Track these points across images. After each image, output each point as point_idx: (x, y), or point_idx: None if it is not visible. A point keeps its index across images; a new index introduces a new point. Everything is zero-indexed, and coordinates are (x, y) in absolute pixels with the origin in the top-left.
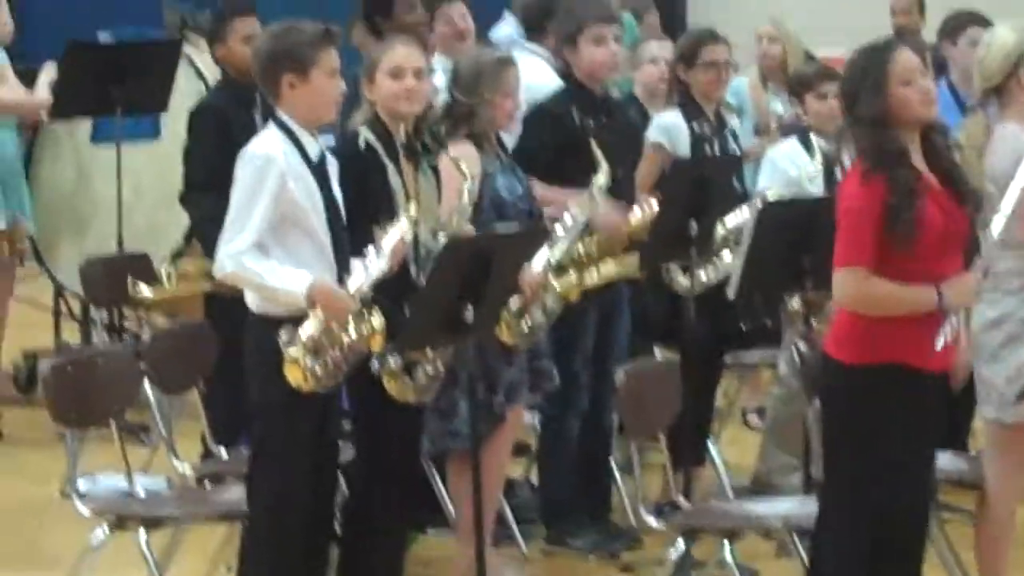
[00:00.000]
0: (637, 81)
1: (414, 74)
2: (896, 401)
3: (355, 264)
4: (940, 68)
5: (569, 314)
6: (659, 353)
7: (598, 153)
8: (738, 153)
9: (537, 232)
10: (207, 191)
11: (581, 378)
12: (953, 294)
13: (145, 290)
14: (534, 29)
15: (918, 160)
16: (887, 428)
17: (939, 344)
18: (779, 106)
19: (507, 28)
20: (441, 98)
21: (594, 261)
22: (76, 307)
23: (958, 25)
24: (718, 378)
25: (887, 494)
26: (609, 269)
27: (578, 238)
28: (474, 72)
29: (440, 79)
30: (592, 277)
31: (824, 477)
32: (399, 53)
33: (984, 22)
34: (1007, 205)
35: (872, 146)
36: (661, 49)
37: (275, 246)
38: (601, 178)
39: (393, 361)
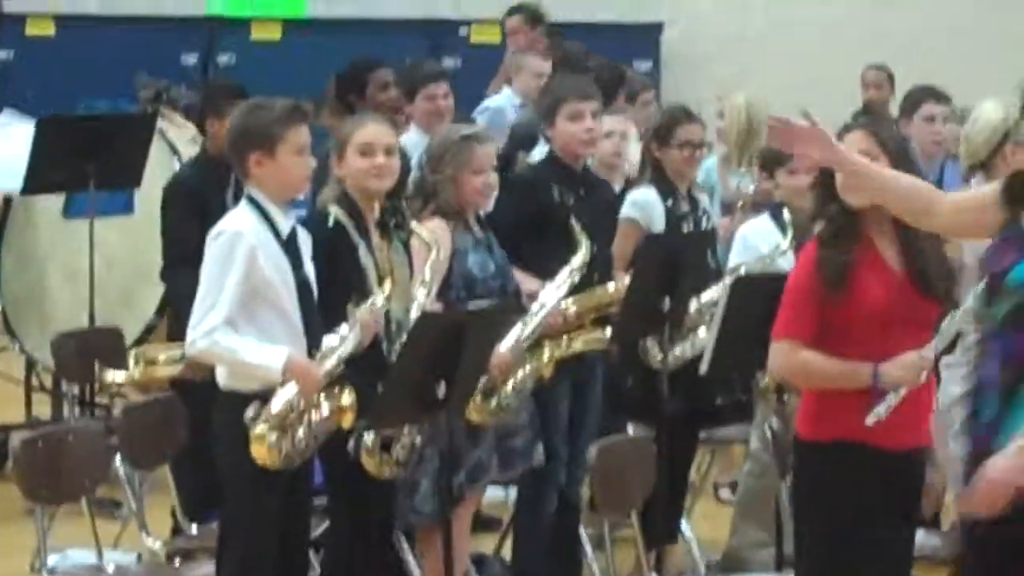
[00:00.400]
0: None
1: (384, 151)
2: (854, 478)
3: (326, 340)
4: None
5: (543, 389)
6: (632, 429)
7: (578, 231)
8: (711, 229)
9: (509, 309)
10: (181, 268)
11: (559, 453)
12: (892, 372)
13: (112, 375)
14: None
15: (885, 244)
16: (846, 506)
17: (869, 420)
18: (747, 183)
19: (500, 98)
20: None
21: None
22: (47, 380)
23: (914, 101)
24: (692, 455)
25: (851, 573)
26: (578, 344)
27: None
28: (440, 149)
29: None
30: (561, 349)
31: (795, 554)
32: (369, 130)
33: (940, 97)
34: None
35: (822, 224)
36: (615, 123)
37: (245, 322)
38: (580, 257)
39: (369, 438)
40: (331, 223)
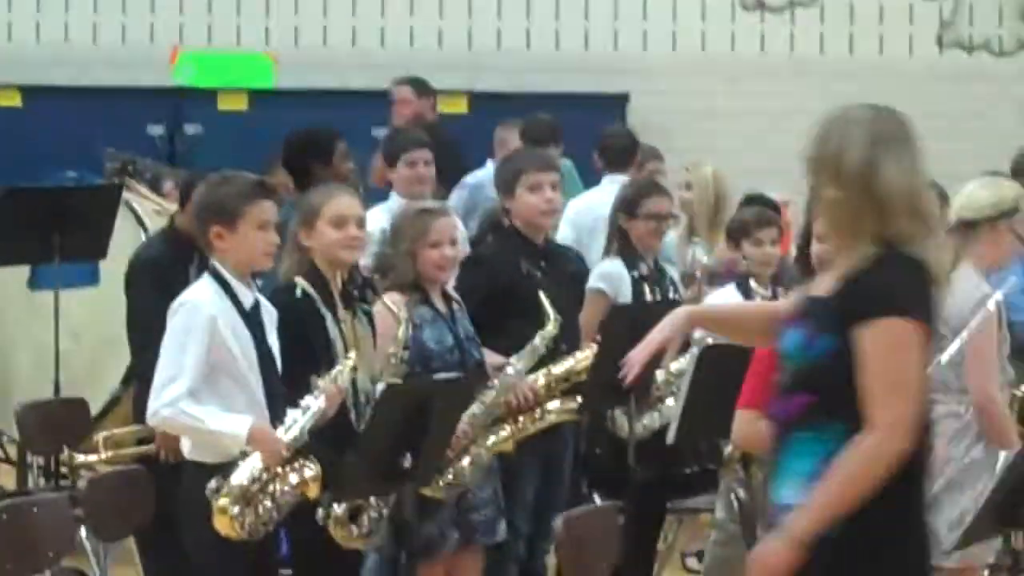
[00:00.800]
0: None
1: (356, 223)
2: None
3: (291, 413)
4: None
5: (512, 463)
6: (598, 499)
7: (546, 304)
8: (678, 299)
9: (475, 380)
10: (146, 346)
11: (520, 529)
12: None
13: (78, 458)
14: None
15: None
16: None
17: None
18: (701, 253)
19: (481, 173)
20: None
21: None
22: (12, 452)
23: None
24: (661, 524)
25: None
26: (551, 416)
27: (511, 390)
28: (398, 223)
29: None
30: (533, 424)
31: None
32: (343, 202)
33: None
34: (948, 352)
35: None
36: None
37: (207, 394)
38: (548, 330)
39: (338, 508)
40: (299, 294)
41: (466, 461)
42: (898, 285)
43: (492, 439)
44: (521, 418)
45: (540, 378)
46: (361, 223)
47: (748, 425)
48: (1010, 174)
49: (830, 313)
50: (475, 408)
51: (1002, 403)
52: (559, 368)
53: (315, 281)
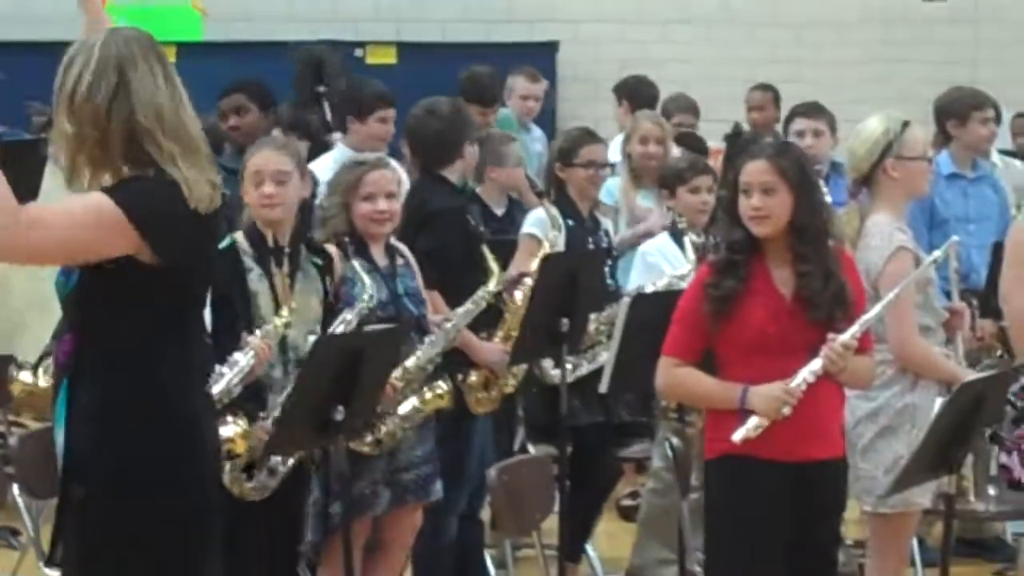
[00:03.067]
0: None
1: (272, 179)
2: (744, 491)
3: (218, 368)
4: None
5: (462, 417)
6: (533, 449)
7: (490, 260)
8: (609, 249)
9: (403, 329)
10: None
11: (468, 480)
12: (755, 399)
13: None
14: None
15: (780, 270)
16: (742, 519)
17: (736, 437)
18: (651, 203)
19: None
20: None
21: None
22: None
23: (787, 119)
24: (608, 471)
25: None
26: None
27: (449, 344)
28: (336, 177)
29: None
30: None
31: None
32: (259, 159)
33: (809, 112)
34: (877, 306)
35: (723, 248)
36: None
37: None
38: (491, 286)
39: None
40: (224, 245)
41: (397, 418)
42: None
43: (428, 395)
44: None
45: (498, 333)
46: (279, 178)
47: (666, 373)
48: (933, 116)
49: None
50: (410, 361)
51: (924, 347)
52: (512, 319)
53: (252, 237)
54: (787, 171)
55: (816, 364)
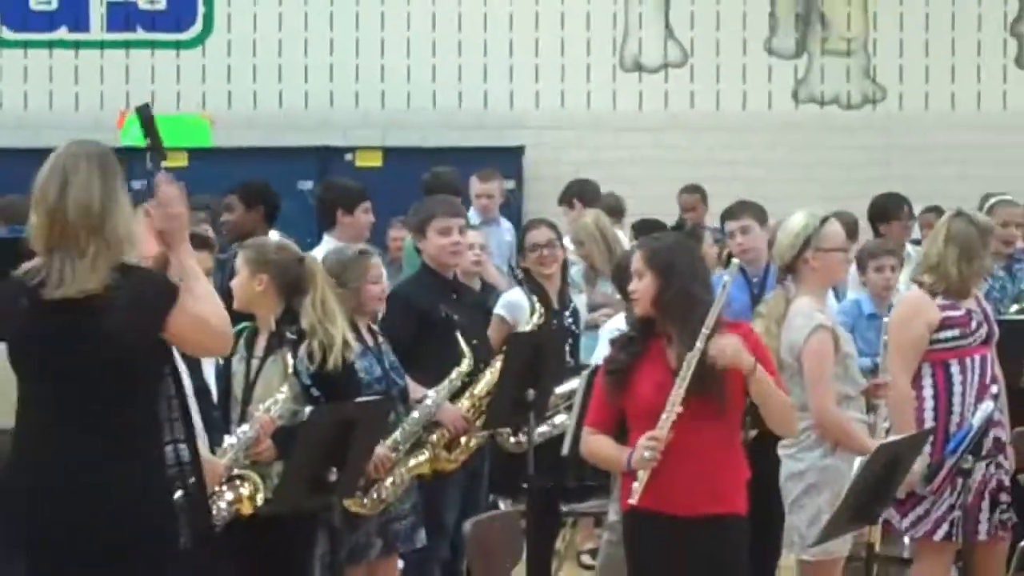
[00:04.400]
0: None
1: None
2: (640, 543)
3: (227, 439)
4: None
5: (439, 475)
6: (503, 505)
7: (463, 344)
8: (574, 329)
9: (393, 403)
10: None
11: (447, 530)
12: (634, 456)
13: None
14: None
15: (672, 346)
16: (639, 568)
17: (633, 496)
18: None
19: None
20: None
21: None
22: None
23: (721, 220)
24: (557, 526)
25: None
26: (472, 442)
27: (430, 419)
28: (341, 266)
29: None
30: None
31: None
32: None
33: (737, 211)
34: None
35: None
36: (476, 237)
37: None
38: (464, 365)
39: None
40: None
41: (388, 481)
42: None
43: (412, 462)
44: (448, 449)
45: (464, 402)
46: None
47: (584, 440)
48: (867, 218)
49: None
50: (397, 434)
51: (840, 416)
52: (479, 388)
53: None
54: (651, 260)
55: (672, 405)
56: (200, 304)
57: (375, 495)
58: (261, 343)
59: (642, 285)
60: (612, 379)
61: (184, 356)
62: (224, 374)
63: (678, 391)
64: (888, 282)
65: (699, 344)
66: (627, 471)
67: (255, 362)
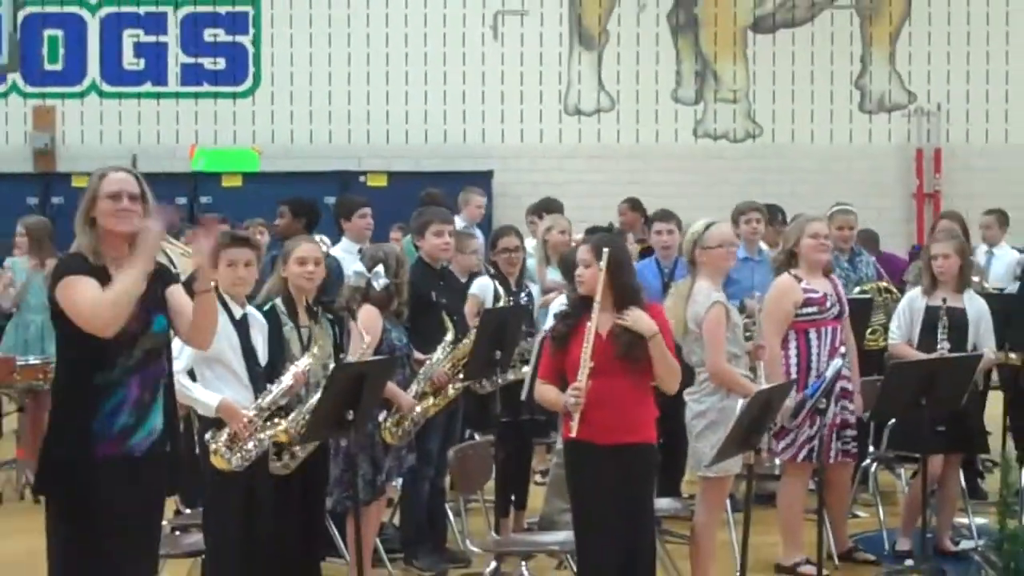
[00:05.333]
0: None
1: (313, 263)
2: (575, 468)
3: (268, 387)
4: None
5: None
6: (477, 437)
7: (447, 321)
8: (529, 307)
9: (393, 359)
10: None
11: (432, 456)
12: (567, 403)
13: None
14: None
15: (604, 317)
16: (575, 489)
17: (572, 431)
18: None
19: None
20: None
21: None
22: None
23: (651, 221)
24: (530, 452)
25: (592, 542)
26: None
27: (432, 375)
28: (398, 260)
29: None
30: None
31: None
32: (304, 249)
33: (663, 217)
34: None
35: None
36: (479, 244)
37: (206, 371)
38: (448, 337)
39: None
40: (267, 308)
41: (408, 421)
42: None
43: (424, 405)
44: (439, 394)
45: (446, 363)
46: (318, 263)
47: (537, 388)
48: (730, 217)
49: None
50: (413, 387)
51: (729, 369)
52: (459, 353)
53: (286, 300)
54: (598, 251)
55: (584, 363)
56: (79, 293)
57: (402, 430)
58: (303, 317)
59: (589, 272)
60: (555, 343)
61: (237, 324)
62: (277, 340)
63: (585, 353)
64: (755, 231)
65: (594, 315)
66: (565, 411)
67: (304, 330)
